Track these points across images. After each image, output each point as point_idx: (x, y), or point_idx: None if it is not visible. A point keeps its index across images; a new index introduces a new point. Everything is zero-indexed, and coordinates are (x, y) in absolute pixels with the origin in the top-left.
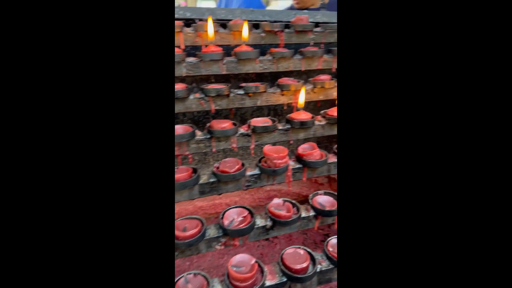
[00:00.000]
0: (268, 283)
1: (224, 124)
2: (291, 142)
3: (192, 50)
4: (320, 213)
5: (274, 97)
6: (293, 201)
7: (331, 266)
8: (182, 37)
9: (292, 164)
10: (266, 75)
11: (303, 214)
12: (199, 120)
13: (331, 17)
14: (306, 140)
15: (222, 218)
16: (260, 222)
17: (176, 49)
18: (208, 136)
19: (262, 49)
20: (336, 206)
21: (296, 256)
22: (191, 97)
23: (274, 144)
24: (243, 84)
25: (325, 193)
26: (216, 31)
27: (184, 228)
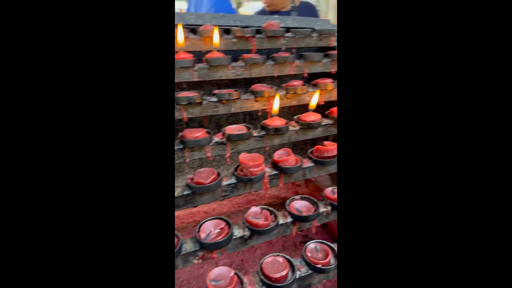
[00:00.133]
0: None
1: (197, 134)
2: (267, 148)
3: None
4: (297, 218)
5: (248, 103)
6: (271, 209)
7: (310, 271)
8: None
9: (269, 171)
10: (240, 80)
11: (281, 221)
12: None
13: (302, 22)
14: (281, 146)
15: (198, 231)
16: (238, 232)
17: None
18: (181, 147)
19: (234, 55)
20: (312, 211)
21: (275, 264)
22: None
23: (250, 151)
24: (216, 91)
25: (302, 198)
26: (186, 37)
27: None
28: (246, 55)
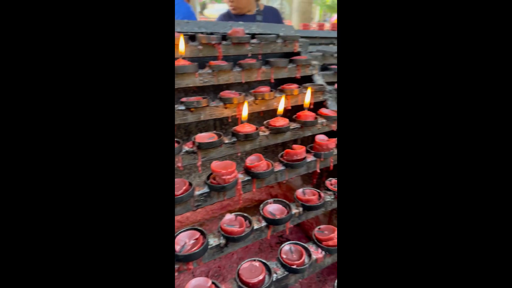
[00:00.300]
0: None
1: None
2: (239, 154)
3: None
4: (271, 222)
5: (218, 110)
6: (245, 215)
7: (286, 272)
8: None
9: (241, 177)
10: (208, 87)
11: (256, 226)
12: None
13: (266, 28)
14: (253, 151)
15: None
16: (213, 241)
17: None
18: None
19: (201, 62)
20: (285, 213)
21: (252, 269)
22: None
23: (222, 158)
24: (184, 99)
25: (275, 201)
26: None
27: None
28: (213, 62)
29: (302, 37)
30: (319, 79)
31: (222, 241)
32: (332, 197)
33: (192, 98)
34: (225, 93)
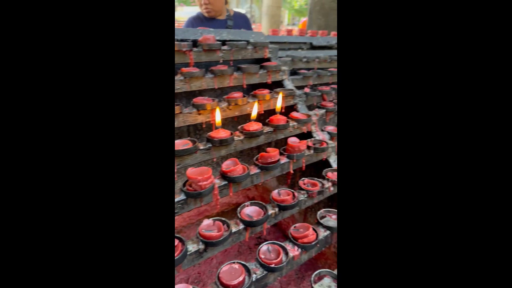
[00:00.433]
0: None
1: None
2: (214, 159)
3: None
4: (249, 224)
5: (191, 117)
6: (223, 219)
7: (265, 272)
8: None
9: (218, 182)
10: (180, 94)
11: (234, 229)
12: None
13: (236, 35)
14: (229, 155)
15: None
16: (192, 247)
17: None
18: None
19: None
20: (262, 215)
21: (232, 271)
22: None
23: (197, 164)
24: None
25: (251, 204)
26: None
27: None
28: (184, 69)
29: (271, 42)
30: (289, 84)
31: (201, 246)
32: (306, 196)
33: None
34: (198, 100)
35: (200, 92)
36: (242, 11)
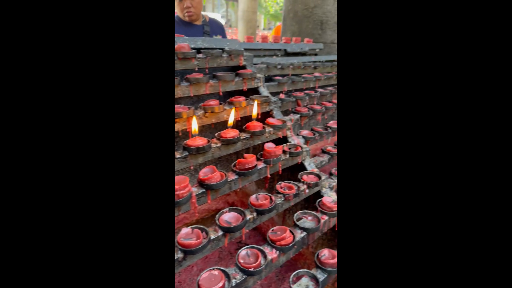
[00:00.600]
0: None
1: None
2: (191, 167)
3: None
4: (227, 230)
5: None
6: (201, 226)
7: (244, 276)
8: None
9: (195, 190)
10: None
11: (212, 236)
12: None
13: (212, 43)
14: (207, 162)
15: None
16: None
17: None
18: None
19: None
20: (240, 220)
21: (211, 278)
22: None
23: (175, 173)
24: None
25: (230, 210)
26: None
27: None
28: None
29: (246, 49)
30: (264, 90)
31: (180, 255)
32: (283, 199)
33: None
34: (175, 108)
35: (176, 100)
36: (218, 15)
